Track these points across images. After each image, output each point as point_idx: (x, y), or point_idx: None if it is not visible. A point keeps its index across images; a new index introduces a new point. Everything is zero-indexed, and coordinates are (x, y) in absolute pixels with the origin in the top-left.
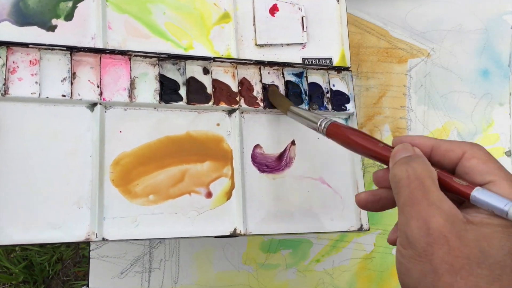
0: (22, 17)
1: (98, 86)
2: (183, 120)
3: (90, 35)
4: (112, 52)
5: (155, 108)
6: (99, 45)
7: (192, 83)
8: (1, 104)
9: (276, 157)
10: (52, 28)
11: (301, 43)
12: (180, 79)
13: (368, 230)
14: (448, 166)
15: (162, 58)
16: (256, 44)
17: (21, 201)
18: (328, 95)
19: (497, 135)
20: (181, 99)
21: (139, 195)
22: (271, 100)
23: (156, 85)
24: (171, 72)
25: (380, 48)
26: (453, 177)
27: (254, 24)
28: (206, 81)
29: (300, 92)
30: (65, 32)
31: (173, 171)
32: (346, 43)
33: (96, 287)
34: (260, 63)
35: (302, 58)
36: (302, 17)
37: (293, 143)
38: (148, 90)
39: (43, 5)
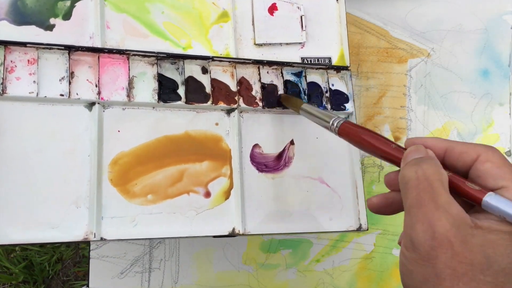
0: (20, 16)
1: (96, 86)
2: (182, 120)
3: (88, 35)
4: (111, 51)
5: (153, 108)
6: (97, 44)
7: (190, 82)
8: None
9: (275, 157)
10: (50, 28)
11: (300, 43)
12: (178, 79)
13: (367, 230)
14: (462, 169)
15: (160, 57)
16: (255, 44)
17: (18, 200)
18: (327, 94)
19: (497, 135)
20: (179, 98)
21: (138, 195)
22: (284, 103)
23: (154, 85)
24: (170, 71)
25: (380, 48)
26: (465, 181)
27: (253, 24)
28: (205, 80)
29: (299, 91)
30: (63, 31)
31: (171, 170)
32: (345, 42)
33: (96, 287)
34: (259, 63)
35: (301, 58)
36: (301, 16)
37: (292, 142)
38: (147, 89)
39: (41, 4)
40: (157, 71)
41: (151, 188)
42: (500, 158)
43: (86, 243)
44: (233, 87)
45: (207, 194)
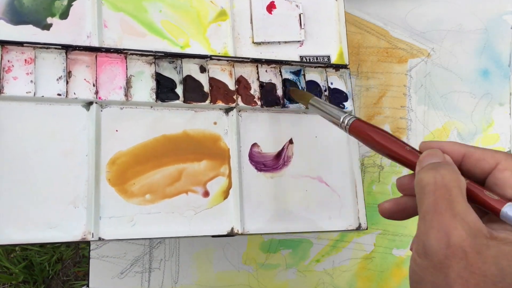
0: (17, 16)
1: (94, 85)
2: (180, 119)
3: (86, 34)
4: (108, 50)
5: (151, 107)
6: (95, 43)
7: (188, 81)
8: None
9: (273, 156)
10: (47, 27)
11: (298, 41)
12: (176, 78)
13: (367, 229)
14: (479, 176)
15: (158, 56)
16: (253, 42)
17: (16, 200)
18: (326, 93)
19: (497, 135)
20: (177, 97)
21: (136, 195)
22: (292, 96)
23: (152, 84)
24: (168, 70)
25: (380, 48)
26: (483, 190)
27: (251, 22)
28: (203, 79)
29: None
30: (61, 31)
31: (169, 170)
32: (344, 40)
33: (96, 287)
34: (257, 61)
35: (300, 56)
36: (300, 15)
37: (290, 141)
38: (145, 88)
39: (38, 4)
40: (155, 70)
41: (149, 188)
42: None
43: (86, 243)
44: (232, 86)
45: (206, 194)
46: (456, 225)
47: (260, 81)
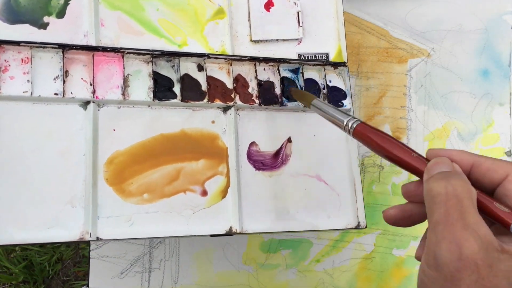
0: (13, 15)
1: (91, 84)
2: (178, 118)
3: (83, 33)
4: (105, 49)
5: (149, 106)
6: (92, 42)
7: (186, 80)
8: None
9: (272, 155)
10: (43, 26)
11: (297, 39)
12: (174, 76)
13: (366, 227)
14: (488, 186)
15: (155, 55)
16: (251, 40)
17: (13, 200)
18: (325, 91)
19: (497, 135)
20: (175, 96)
21: (134, 194)
22: (294, 97)
23: (150, 83)
24: (165, 69)
25: (380, 48)
26: (494, 201)
27: (249, 20)
28: (201, 78)
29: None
30: (57, 30)
31: (167, 169)
32: (343, 38)
33: (96, 287)
34: (255, 59)
35: (298, 54)
36: (298, 12)
37: (289, 140)
38: (142, 87)
39: (35, 3)
40: (152, 69)
41: (147, 187)
42: None
43: (86, 243)
44: (229, 84)
45: (204, 193)
46: (468, 237)
47: (258, 80)
